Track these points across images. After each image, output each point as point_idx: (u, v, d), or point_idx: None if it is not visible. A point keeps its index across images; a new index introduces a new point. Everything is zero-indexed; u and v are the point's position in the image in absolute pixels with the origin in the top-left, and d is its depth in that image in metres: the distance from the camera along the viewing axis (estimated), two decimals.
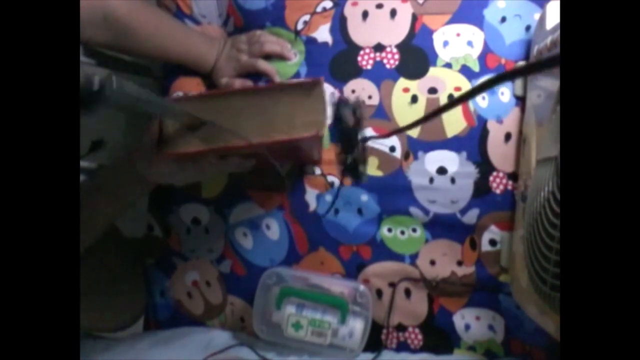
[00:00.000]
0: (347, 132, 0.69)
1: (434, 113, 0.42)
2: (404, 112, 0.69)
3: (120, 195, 0.63)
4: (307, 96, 0.55)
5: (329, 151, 0.71)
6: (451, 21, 0.71)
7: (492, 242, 0.67)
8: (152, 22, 0.69)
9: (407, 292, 0.70)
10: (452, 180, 0.67)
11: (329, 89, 0.72)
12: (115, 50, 0.72)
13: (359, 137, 0.69)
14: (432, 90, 0.69)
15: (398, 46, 0.71)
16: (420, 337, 0.70)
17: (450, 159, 0.67)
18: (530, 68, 0.25)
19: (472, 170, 0.67)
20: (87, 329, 0.72)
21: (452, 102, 0.35)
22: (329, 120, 0.71)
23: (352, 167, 0.69)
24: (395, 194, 0.69)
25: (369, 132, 0.69)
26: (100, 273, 0.72)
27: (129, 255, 0.80)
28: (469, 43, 0.69)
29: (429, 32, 0.71)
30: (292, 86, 0.57)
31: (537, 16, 0.67)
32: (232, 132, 0.53)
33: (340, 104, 0.69)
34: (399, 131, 0.65)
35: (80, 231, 0.37)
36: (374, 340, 0.69)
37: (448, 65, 0.69)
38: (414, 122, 0.48)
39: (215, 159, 0.58)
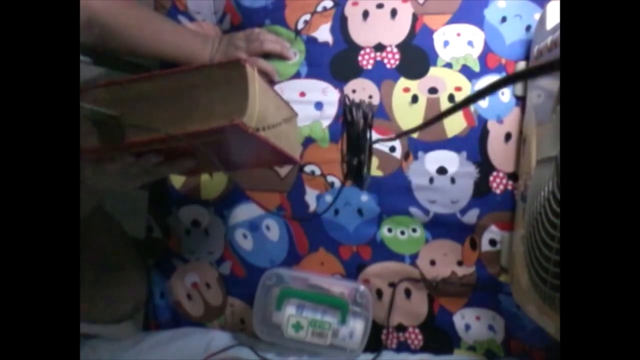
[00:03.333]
0: (357, 134, 0.69)
1: (444, 114, 0.42)
2: (405, 112, 0.69)
3: None
4: (228, 80, 0.46)
5: (329, 151, 0.71)
6: (451, 21, 0.70)
7: (492, 242, 0.67)
8: (136, 21, 0.69)
9: (407, 292, 0.70)
10: (452, 180, 0.67)
11: (332, 90, 0.72)
12: (102, 49, 0.72)
13: (369, 141, 0.68)
14: (433, 90, 0.69)
15: (398, 46, 0.71)
16: (420, 337, 0.70)
17: (450, 159, 0.67)
18: (534, 71, 0.25)
19: (472, 170, 0.67)
20: (88, 319, 0.71)
21: (463, 102, 0.35)
22: (328, 121, 0.71)
23: (356, 170, 0.69)
24: (395, 194, 0.69)
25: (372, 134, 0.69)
26: (102, 264, 0.71)
27: (130, 247, 0.80)
28: (470, 43, 0.69)
29: (429, 32, 0.70)
30: (208, 68, 0.47)
31: (537, 16, 0.67)
32: (138, 125, 0.45)
33: (352, 106, 0.69)
34: (408, 133, 0.65)
35: None
36: (374, 341, 0.69)
37: (448, 65, 0.69)
38: (424, 123, 0.47)
39: (130, 158, 0.50)
